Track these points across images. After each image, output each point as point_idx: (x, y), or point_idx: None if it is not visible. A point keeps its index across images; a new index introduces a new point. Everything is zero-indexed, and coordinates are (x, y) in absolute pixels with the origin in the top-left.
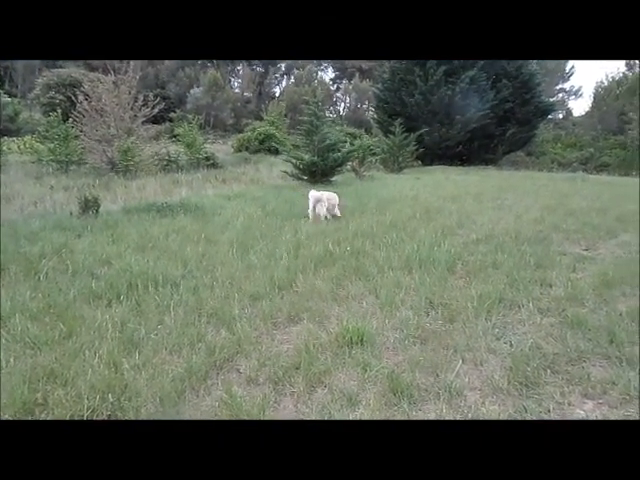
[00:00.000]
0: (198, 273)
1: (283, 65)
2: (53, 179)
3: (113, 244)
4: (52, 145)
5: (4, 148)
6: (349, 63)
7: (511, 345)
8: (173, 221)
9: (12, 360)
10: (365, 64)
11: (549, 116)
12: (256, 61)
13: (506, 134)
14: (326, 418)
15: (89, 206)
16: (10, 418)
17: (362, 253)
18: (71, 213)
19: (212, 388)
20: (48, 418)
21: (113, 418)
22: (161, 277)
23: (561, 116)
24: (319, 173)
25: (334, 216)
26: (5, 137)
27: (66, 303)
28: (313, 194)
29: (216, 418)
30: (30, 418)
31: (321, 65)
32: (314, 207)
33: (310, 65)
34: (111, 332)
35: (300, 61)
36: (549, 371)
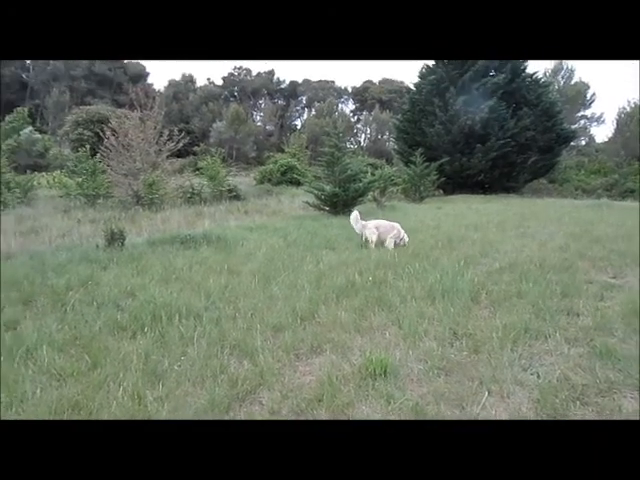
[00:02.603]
0: (221, 304)
1: (304, 98)
2: (80, 212)
3: (138, 276)
4: (80, 179)
5: (34, 183)
6: (369, 95)
7: (538, 376)
8: (196, 252)
9: (38, 391)
10: (385, 96)
11: (571, 143)
12: (278, 94)
13: (528, 162)
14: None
15: (115, 238)
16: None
17: (384, 283)
18: (97, 246)
19: None
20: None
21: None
22: (184, 309)
23: (584, 142)
24: (340, 204)
25: (397, 245)
26: (35, 172)
27: (91, 335)
28: (354, 220)
29: (216, 418)
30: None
31: (341, 97)
32: (369, 234)
33: (330, 98)
34: (135, 364)
35: (321, 94)
36: (578, 403)
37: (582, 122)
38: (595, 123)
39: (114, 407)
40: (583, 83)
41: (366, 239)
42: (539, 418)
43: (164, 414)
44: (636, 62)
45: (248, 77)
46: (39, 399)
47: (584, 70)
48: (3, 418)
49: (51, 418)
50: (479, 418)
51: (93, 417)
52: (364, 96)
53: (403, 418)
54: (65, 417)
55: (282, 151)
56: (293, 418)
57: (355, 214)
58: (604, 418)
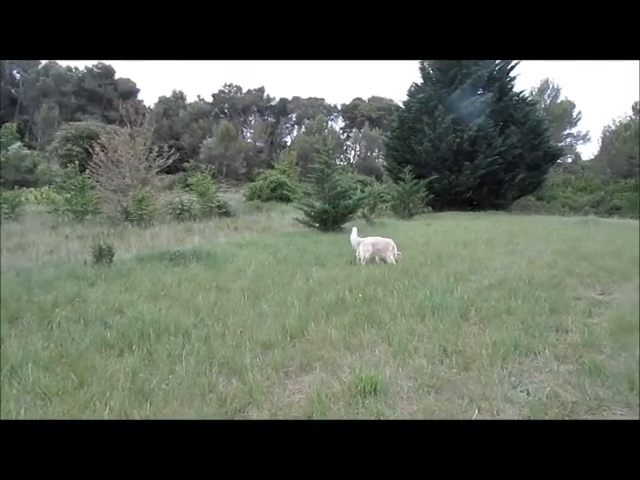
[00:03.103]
0: (210, 322)
1: (294, 115)
2: (68, 228)
3: (126, 292)
4: (69, 195)
5: (22, 198)
6: (358, 112)
7: (528, 394)
8: (185, 269)
9: (23, 411)
10: (374, 113)
11: (558, 160)
12: (268, 111)
13: (516, 179)
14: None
15: (103, 255)
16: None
17: (374, 300)
18: (85, 262)
19: None
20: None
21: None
22: (173, 326)
23: (570, 160)
24: (330, 220)
25: (384, 261)
26: (23, 188)
27: (78, 353)
28: (354, 238)
29: (216, 418)
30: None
31: (331, 115)
32: (362, 251)
33: (320, 115)
34: (122, 382)
35: (311, 111)
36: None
37: (568, 140)
38: (581, 141)
39: None
40: (569, 102)
41: (358, 256)
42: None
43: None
44: (636, 62)
45: (238, 94)
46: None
47: (570, 89)
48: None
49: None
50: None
51: None
52: (354, 113)
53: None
54: None
55: (272, 167)
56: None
57: (354, 230)
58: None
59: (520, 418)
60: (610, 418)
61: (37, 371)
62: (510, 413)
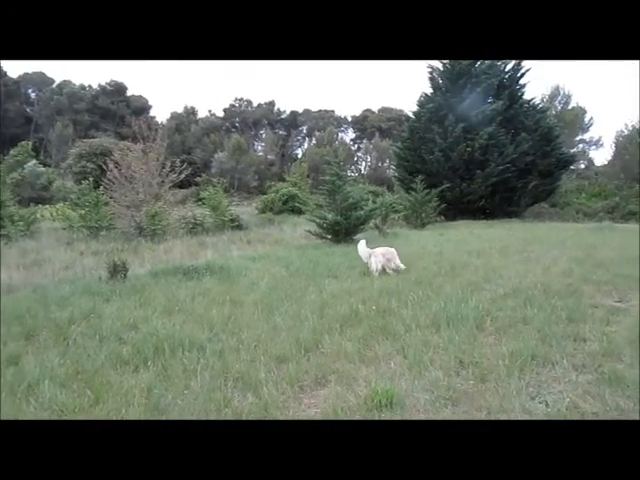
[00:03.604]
0: (224, 336)
1: (304, 128)
2: (83, 244)
3: (140, 308)
4: (83, 212)
5: (37, 215)
6: (368, 123)
7: (547, 405)
8: (199, 283)
9: None
10: (384, 124)
11: (571, 167)
12: (278, 124)
13: (528, 186)
14: None
15: (117, 270)
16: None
17: (388, 311)
18: (100, 278)
19: None
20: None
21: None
22: (187, 341)
23: (583, 166)
24: (342, 232)
25: (395, 270)
26: (39, 205)
27: (94, 369)
28: (362, 250)
29: (216, 418)
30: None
31: (341, 126)
32: (374, 262)
33: (330, 127)
34: (138, 398)
35: (321, 123)
36: None
37: (581, 146)
38: (594, 147)
39: None
40: (580, 108)
41: (370, 267)
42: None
43: None
44: (636, 62)
45: (249, 108)
46: None
47: (581, 95)
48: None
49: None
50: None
51: None
52: (364, 125)
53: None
54: None
55: (283, 180)
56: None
57: (362, 243)
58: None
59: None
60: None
61: (54, 388)
62: None
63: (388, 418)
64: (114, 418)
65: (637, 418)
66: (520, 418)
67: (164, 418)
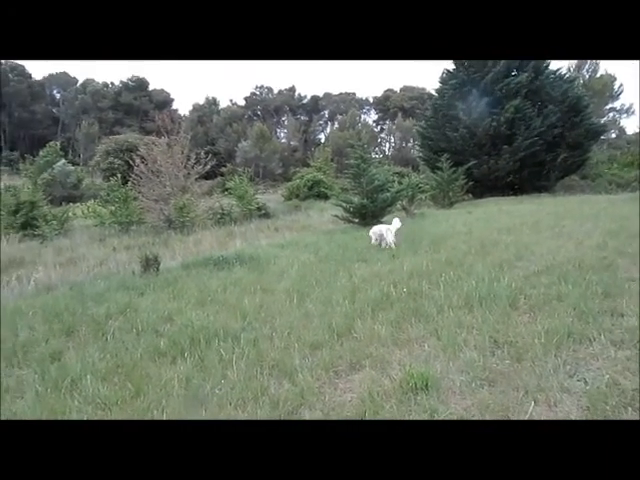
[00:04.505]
0: (257, 324)
1: (326, 112)
2: (115, 240)
3: (174, 300)
4: (113, 208)
5: (70, 214)
6: (391, 103)
7: (586, 382)
8: (230, 273)
9: None
10: (407, 103)
11: (601, 137)
12: (300, 110)
13: (557, 159)
14: None
15: (150, 264)
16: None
17: (419, 293)
18: (133, 272)
19: None
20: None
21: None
22: (222, 331)
23: (614, 135)
24: (369, 215)
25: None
26: (70, 203)
27: (133, 362)
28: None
29: (216, 418)
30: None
31: (363, 108)
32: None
33: (352, 109)
34: (177, 389)
35: (342, 106)
36: (630, 409)
37: (611, 115)
38: (625, 115)
39: None
40: (609, 75)
41: (387, 241)
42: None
43: None
44: (636, 62)
45: (270, 95)
46: None
47: (609, 62)
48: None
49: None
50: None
51: None
52: (386, 105)
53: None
54: None
55: (308, 166)
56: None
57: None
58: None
59: (579, 408)
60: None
61: (95, 382)
62: (568, 404)
63: (388, 418)
64: (155, 411)
65: (637, 418)
66: (559, 397)
67: (164, 419)
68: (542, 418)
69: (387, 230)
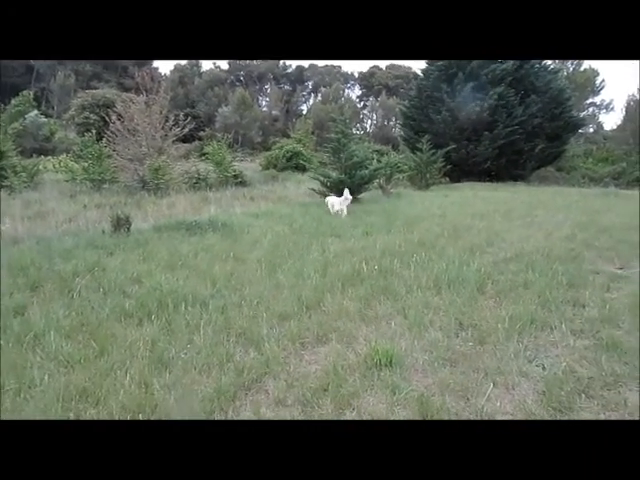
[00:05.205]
0: (227, 292)
1: (310, 83)
2: (86, 197)
3: (144, 262)
4: (86, 164)
5: (40, 167)
6: (376, 80)
7: (544, 368)
8: (202, 239)
9: (46, 378)
10: (392, 81)
11: (579, 130)
12: (284, 79)
13: (535, 150)
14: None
15: (121, 224)
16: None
17: (390, 272)
18: (103, 231)
19: (241, 409)
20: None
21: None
22: (190, 296)
23: (592, 130)
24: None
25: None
26: (41, 156)
27: (98, 321)
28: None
29: (216, 418)
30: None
31: (348, 83)
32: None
33: (337, 83)
34: (142, 351)
35: (327, 79)
36: (584, 396)
37: (591, 109)
38: (604, 110)
39: (121, 395)
40: (592, 69)
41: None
42: (544, 411)
43: (171, 402)
44: (636, 62)
45: (254, 62)
46: (47, 386)
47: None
48: (3, 418)
49: (58, 406)
50: (483, 413)
51: (101, 404)
52: (371, 82)
53: (408, 409)
54: (73, 404)
55: (288, 137)
56: (298, 409)
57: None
58: (608, 412)
59: (535, 393)
60: (626, 395)
61: (59, 339)
62: (525, 387)
63: (388, 419)
64: (118, 371)
65: (637, 418)
66: (517, 380)
67: (164, 418)
68: (499, 400)
69: (338, 201)
